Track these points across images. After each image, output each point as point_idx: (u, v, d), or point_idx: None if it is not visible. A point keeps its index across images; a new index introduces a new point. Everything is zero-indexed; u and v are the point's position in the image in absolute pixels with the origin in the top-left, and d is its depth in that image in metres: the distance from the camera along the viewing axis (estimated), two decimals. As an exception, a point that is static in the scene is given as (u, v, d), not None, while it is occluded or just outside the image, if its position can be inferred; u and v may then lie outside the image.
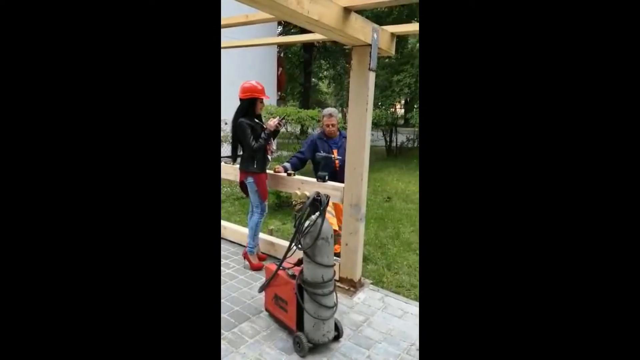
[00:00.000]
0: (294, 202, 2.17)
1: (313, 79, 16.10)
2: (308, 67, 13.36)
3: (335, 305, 2.05)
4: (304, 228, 1.93)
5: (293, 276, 2.07)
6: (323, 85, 19.58)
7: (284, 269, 2.15)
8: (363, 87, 2.43)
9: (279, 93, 13.25)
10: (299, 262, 2.11)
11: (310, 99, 14.74)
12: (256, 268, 2.95)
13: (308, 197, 1.99)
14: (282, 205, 5.03)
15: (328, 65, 16.57)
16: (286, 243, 3.11)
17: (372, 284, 2.86)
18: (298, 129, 7.71)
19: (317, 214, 1.92)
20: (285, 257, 2.04)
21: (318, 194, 1.96)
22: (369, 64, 2.37)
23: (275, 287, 2.19)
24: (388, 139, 10.81)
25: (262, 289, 2.15)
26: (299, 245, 1.96)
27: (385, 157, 10.46)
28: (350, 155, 2.58)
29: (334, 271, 2.04)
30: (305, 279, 1.98)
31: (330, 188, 2.75)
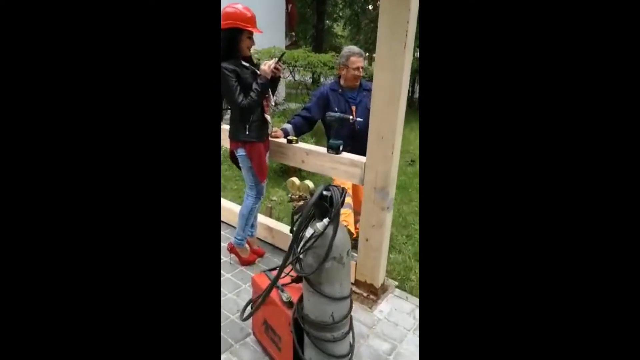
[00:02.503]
0: (290, 196, 1.42)
1: (327, 21, 14.57)
2: (321, 5, 11.88)
3: (351, 351, 1.38)
4: (304, 242, 1.20)
5: (290, 303, 1.39)
6: (338, 28, 17.86)
7: (277, 287, 1.47)
8: (402, 9, 1.55)
9: (291, 34, 11.90)
10: (298, 279, 1.41)
11: (323, 43, 13.39)
12: (247, 262, 2.29)
13: (311, 192, 1.24)
14: (288, 170, 4.29)
15: (344, 4, 14.89)
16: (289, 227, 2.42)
17: (397, 287, 2.18)
18: (309, 78, 6.74)
19: (326, 220, 1.18)
20: (280, 272, 1.34)
21: (327, 187, 1.20)
22: (413, -28, 1.49)
23: (265, 309, 1.52)
24: (410, 89, 9.67)
25: (247, 316, 1.48)
26: (298, 268, 1.24)
27: (406, 110, 9.41)
28: (376, 117, 1.78)
29: (350, 303, 1.34)
30: (306, 315, 1.30)
31: (346, 163, 1.98)
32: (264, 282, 1.53)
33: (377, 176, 1.85)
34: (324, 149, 2.08)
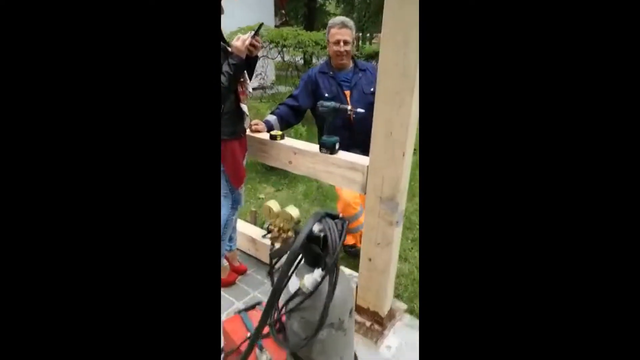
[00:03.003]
0: (267, 227, 1.01)
1: (319, -2, 13.85)
2: (312, -19, 11.19)
3: None
4: (287, 300, 0.81)
5: (270, 369, 1.01)
6: (331, 6, 17.07)
7: (257, 343, 1.08)
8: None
9: (281, 12, 11.23)
10: (280, 327, 1.03)
11: (315, 22, 12.74)
12: (226, 283, 1.90)
13: (296, 228, 0.85)
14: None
15: (336, -20, 14.13)
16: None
17: (407, 311, 1.82)
18: (299, 58, 6.23)
19: (319, 272, 0.78)
20: (258, 332, 0.94)
21: (320, 218, 0.80)
22: None
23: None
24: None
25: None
26: (279, 340, 0.86)
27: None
28: (383, 108, 1.36)
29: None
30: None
31: (344, 166, 1.58)
32: (237, 332, 1.15)
33: (383, 183, 1.45)
34: (315, 147, 1.67)
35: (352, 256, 2.35)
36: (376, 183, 1.47)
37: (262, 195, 3.19)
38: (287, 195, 3.26)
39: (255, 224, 2.34)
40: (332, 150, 1.60)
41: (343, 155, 1.61)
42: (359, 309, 1.72)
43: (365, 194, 1.53)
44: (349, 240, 2.39)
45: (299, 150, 1.70)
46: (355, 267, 2.15)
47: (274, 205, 0.96)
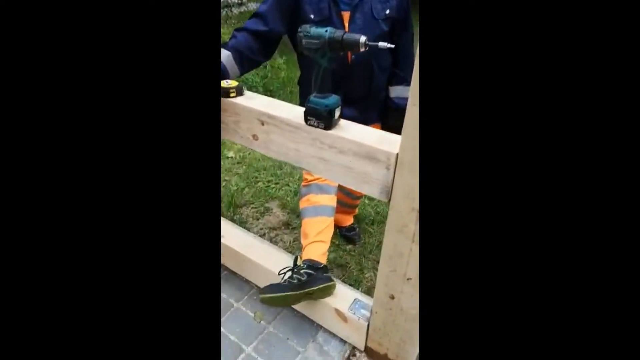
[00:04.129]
0: None
1: None
2: None
3: None
4: None
5: None
6: None
7: None
8: None
9: None
10: None
11: None
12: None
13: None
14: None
15: None
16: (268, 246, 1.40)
17: None
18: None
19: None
20: None
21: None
22: None
23: None
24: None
25: None
26: None
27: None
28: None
29: None
30: None
31: (350, 153, 0.87)
32: None
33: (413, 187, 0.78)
34: (299, 111, 0.95)
35: (349, 241, 1.77)
36: (412, 185, 0.80)
37: (230, 154, 2.47)
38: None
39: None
40: (328, 122, 0.88)
41: (349, 129, 0.90)
42: (371, 353, 1.17)
43: (388, 200, 0.86)
44: (346, 220, 1.79)
45: (272, 118, 0.97)
46: (348, 255, 1.59)
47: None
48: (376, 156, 0.84)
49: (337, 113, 0.89)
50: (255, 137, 1.02)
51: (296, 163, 0.98)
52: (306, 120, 0.90)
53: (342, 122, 0.92)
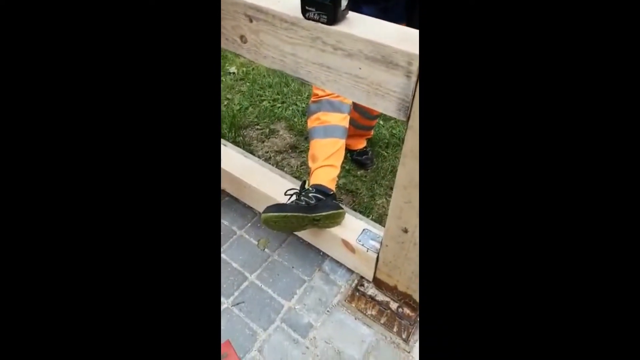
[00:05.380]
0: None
1: None
2: None
3: None
4: None
5: None
6: None
7: None
8: None
9: None
10: None
11: None
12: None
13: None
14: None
15: None
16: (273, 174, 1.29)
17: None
18: None
19: None
20: None
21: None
22: None
23: None
24: None
25: None
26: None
27: None
28: None
29: None
30: None
31: (363, 54, 0.68)
32: None
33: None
34: (297, 4, 0.73)
35: (360, 166, 1.64)
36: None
37: (232, 70, 2.25)
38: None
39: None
40: (333, 13, 0.67)
41: (358, 24, 0.69)
42: (380, 283, 1.10)
43: (407, 119, 0.69)
44: (359, 144, 1.63)
45: (261, 13, 0.76)
46: (359, 180, 1.46)
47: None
48: (394, 59, 0.64)
49: (344, 1, 0.68)
50: (243, 38, 0.82)
51: (293, 73, 0.79)
52: (304, 11, 0.69)
53: (351, 15, 0.71)
